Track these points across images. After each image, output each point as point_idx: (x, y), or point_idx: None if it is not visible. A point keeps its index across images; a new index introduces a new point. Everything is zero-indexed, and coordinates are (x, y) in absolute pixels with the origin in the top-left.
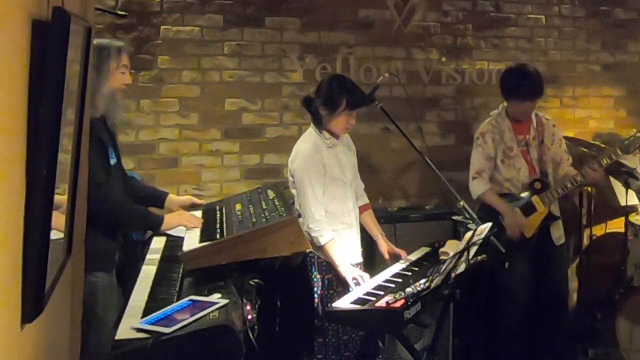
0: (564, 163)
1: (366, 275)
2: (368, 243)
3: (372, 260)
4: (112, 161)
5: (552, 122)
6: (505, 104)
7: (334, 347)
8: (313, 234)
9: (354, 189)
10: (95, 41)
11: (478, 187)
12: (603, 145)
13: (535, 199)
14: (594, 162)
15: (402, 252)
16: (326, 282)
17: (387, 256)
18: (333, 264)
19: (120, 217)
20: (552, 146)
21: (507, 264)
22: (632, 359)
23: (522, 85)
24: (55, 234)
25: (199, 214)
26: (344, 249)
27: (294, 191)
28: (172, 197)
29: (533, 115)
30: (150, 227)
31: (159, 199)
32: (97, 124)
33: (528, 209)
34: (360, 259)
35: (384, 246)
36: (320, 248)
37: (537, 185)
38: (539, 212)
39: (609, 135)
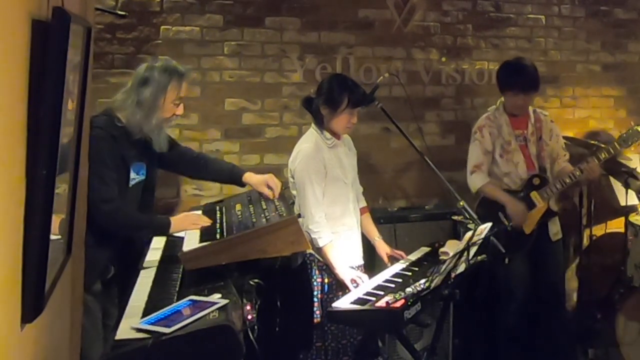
0: (560, 159)
1: (365, 277)
2: (368, 245)
3: (372, 262)
4: (137, 179)
5: (550, 118)
6: (502, 99)
7: (334, 351)
8: (312, 235)
9: (355, 191)
10: (160, 62)
11: (477, 181)
12: (603, 145)
13: (534, 195)
14: (592, 157)
15: (401, 254)
16: (326, 286)
17: (386, 259)
18: (331, 266)
19: (130, 229)
20: (549, 142)
21: (506, 260)
22: (632, 359)
23: (517, 79)
24: (55, 234)
25: (199, 214)
26: (344, 250)
27: (294, 192)
28: (249, 177)
29: (531, 111)
30: (159, 232)
31: (236, 176)
32: (123, 141)
33: (527, 204)
34: (361, 261)
35: (382, 249)
36: (320, 249)
37: (536, 180)
38: (539, 208)
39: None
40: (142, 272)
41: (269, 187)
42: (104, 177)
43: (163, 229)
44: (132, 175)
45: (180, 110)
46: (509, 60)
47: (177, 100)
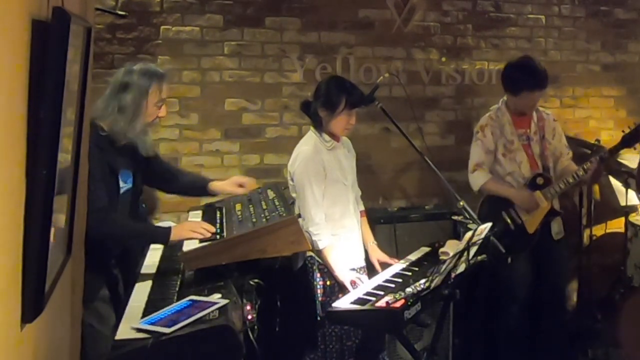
0: (563, 157)
1: (365, 278)
2: None
3: (372, 264)
4: (125, 187)
5: (553, 117)
6: (505, 98)
7: (338, 353)
8: (312, 237)
9: (354, 192)
10: (139, 66)
11: (479, 178)
12: (603, 145)
13: (537, 194)
14: (595, 156)
15: (393, 261)
16: (327, 288)
17: (377, 265)
18: (330, 269)
19: (122, 236)
20: (552, 140)
21: (509, 259)
22: (633, 359)
23: (533, 76)
24: (55, 234)
25: (198, 214)
26: (344, 252)
27: (294, 194)
28: (214, 185)
29: (533, 110)
30: (158, 241)
31: (200, 189)
32: (109, 150)
33: None
34: (362, 263)
35: (374, 255)
36: (320, 251)
37: (540, 180)
38: (542, 207)
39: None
40: (141, 272)
41: (240, 186)
42: (92, 188)
43: (162, 239)
44: (121, 184)
45: (163, 112)
46: (515, 62)
47: (159, 103)
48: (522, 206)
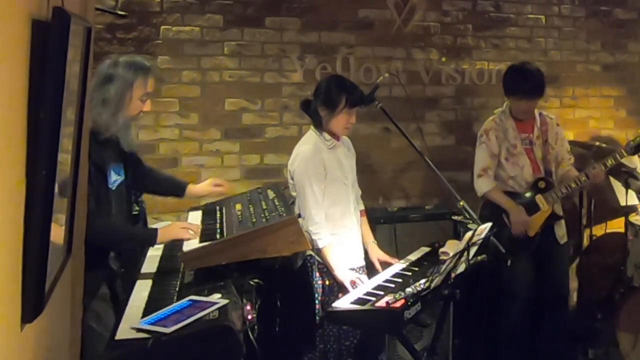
0: (565, 162)
1: (365, 278)
2: None
3: (372, 264)
4: (119, 180)
5: (556, 121)
6: (508, 102)
7: (336, 353)
8: (312, 237)
9: (355, 192)
10: (124, 58)
11: (483, 185)
12: (603, 146)
13: (539, 198)
14: (599, 162)
15: (394, 260)
16: (327, 288)
17: (377, 264)
18: (330, 268)
19: (109, 241)
20: (555, 145)
21: (509, 262)
22: (632, 359)
23: (522, 83)
24: (55, 234)
25: (199, 214)
26: (344, 252)
27: (294, 193)
28: (192, 188)
29: (537, 114)
30: (145, 244)
31: (178, 188)
32: (94, 146)
33: (532, 207)
34: (362, 263)
35: (374, 254)
36: (320, 251)
37: (541, 184)
38: (543, 211)
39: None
40: (141, 272)
41: (217, 185)
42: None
43: (149, 241)
44: (114, 177)
45: (147, 107)
46: (514, 65)
47: (144, 97)
48: (512, 224)
